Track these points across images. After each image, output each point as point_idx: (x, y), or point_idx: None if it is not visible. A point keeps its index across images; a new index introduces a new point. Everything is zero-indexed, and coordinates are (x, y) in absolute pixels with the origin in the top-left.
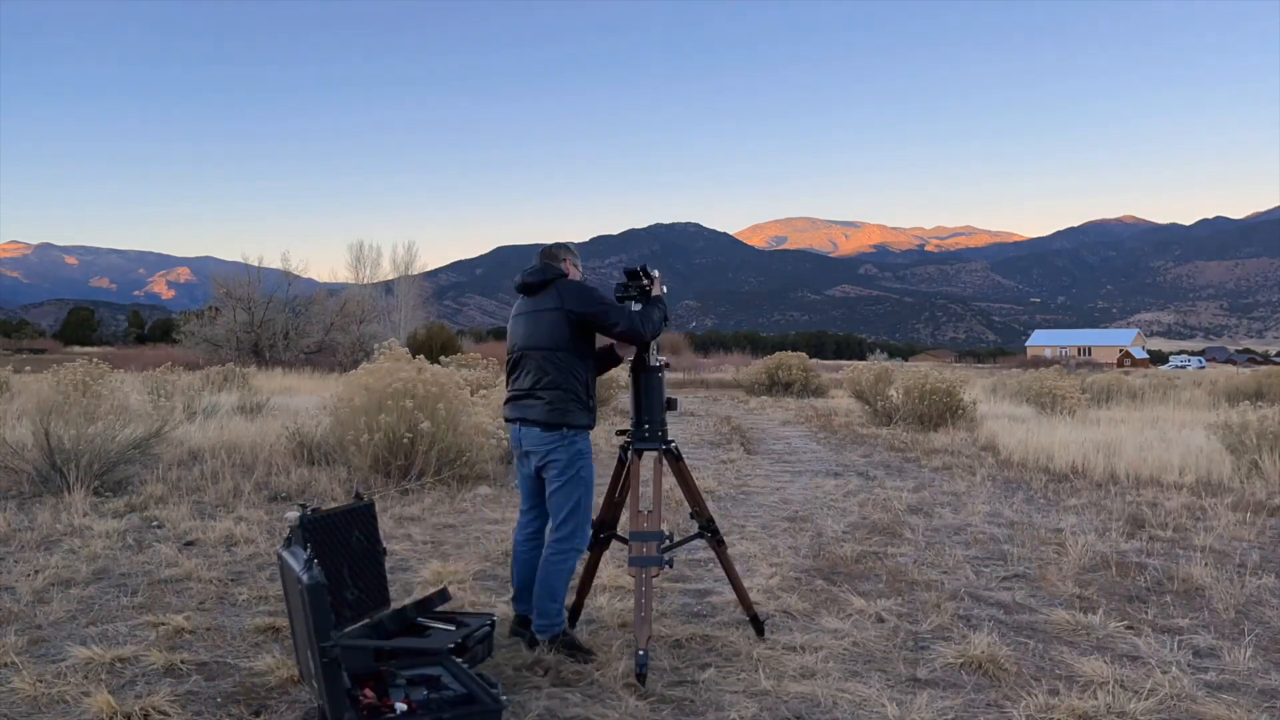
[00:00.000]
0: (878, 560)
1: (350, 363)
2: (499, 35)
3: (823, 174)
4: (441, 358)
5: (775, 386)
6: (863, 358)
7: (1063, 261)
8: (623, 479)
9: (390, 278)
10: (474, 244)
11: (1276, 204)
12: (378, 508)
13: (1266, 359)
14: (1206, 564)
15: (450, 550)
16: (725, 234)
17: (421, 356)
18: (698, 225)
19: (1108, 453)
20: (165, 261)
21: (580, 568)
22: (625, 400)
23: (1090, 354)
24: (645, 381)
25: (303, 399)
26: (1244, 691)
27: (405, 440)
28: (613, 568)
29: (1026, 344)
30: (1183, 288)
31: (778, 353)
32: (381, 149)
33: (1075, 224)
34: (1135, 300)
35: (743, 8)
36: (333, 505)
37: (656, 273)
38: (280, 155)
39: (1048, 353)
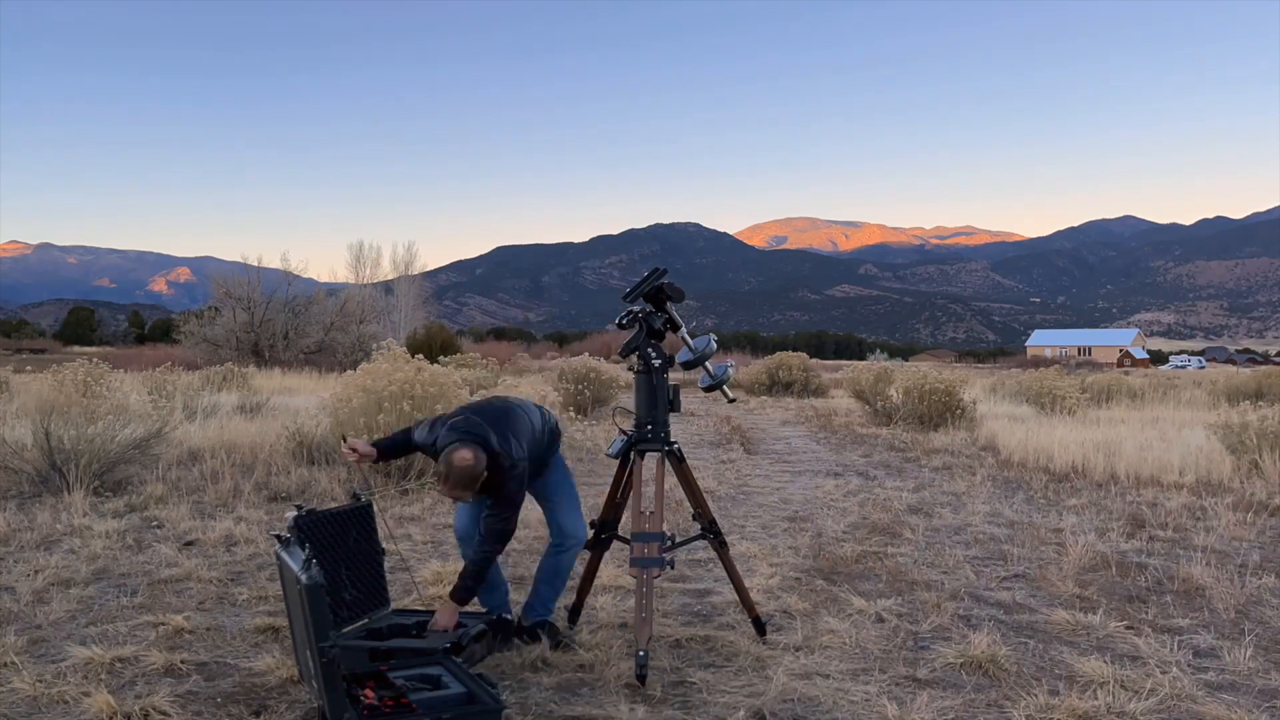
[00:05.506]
0: (878, 560)
1: (350, 363)
2: (499, 35)
3: (823, 174)
4: (441, 358)
5: (775, 386)
6: (862, 358)
7: (1063, 261)
8: (624, 480)
9: (390, 278)
10: (474, 244)
11: (1276, 204)
12: (377, 508)
13: (1266, 359)
14: (1207, 564)
15: (450, 550)
16: (725, 234)
17: (421, 356)
18: (698, 225)
19: (1108, 453)
20: (165, 261)
21: (581, 568)
22: (626, 400)
23: (1090, 354)
24: (648, 382)
25: (302, 399)
26: (1244, 691)
27: None
28: (613, 568)
29: (1026, 344)
30: (1183, 288)
31: (778, 353)
32: (381, 149)
33: (1075, 224)
34: (1135, 300)
35: (743, 7)
36: (331, 506)
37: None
38: (280, 155)
39: (1048, 353)
